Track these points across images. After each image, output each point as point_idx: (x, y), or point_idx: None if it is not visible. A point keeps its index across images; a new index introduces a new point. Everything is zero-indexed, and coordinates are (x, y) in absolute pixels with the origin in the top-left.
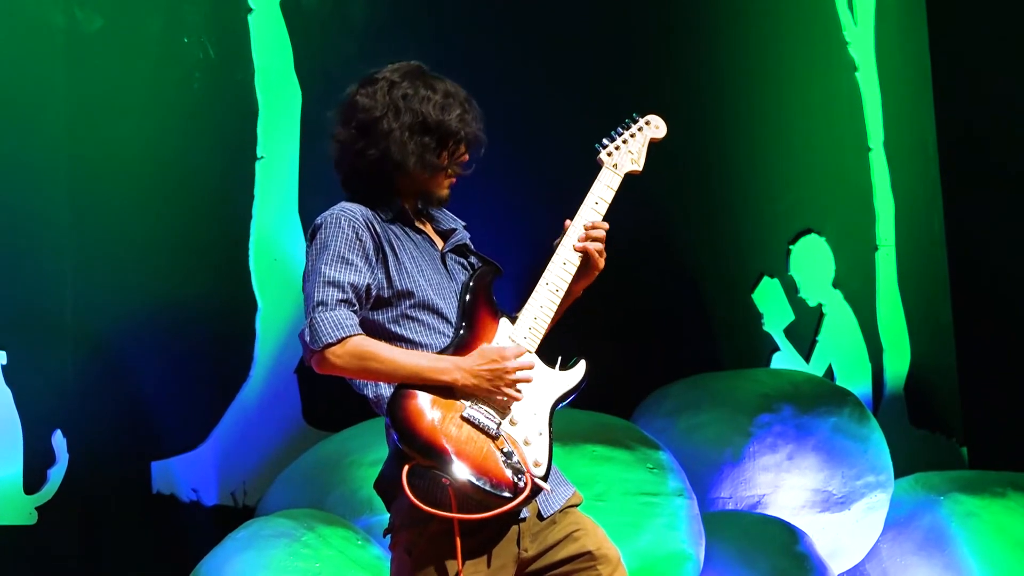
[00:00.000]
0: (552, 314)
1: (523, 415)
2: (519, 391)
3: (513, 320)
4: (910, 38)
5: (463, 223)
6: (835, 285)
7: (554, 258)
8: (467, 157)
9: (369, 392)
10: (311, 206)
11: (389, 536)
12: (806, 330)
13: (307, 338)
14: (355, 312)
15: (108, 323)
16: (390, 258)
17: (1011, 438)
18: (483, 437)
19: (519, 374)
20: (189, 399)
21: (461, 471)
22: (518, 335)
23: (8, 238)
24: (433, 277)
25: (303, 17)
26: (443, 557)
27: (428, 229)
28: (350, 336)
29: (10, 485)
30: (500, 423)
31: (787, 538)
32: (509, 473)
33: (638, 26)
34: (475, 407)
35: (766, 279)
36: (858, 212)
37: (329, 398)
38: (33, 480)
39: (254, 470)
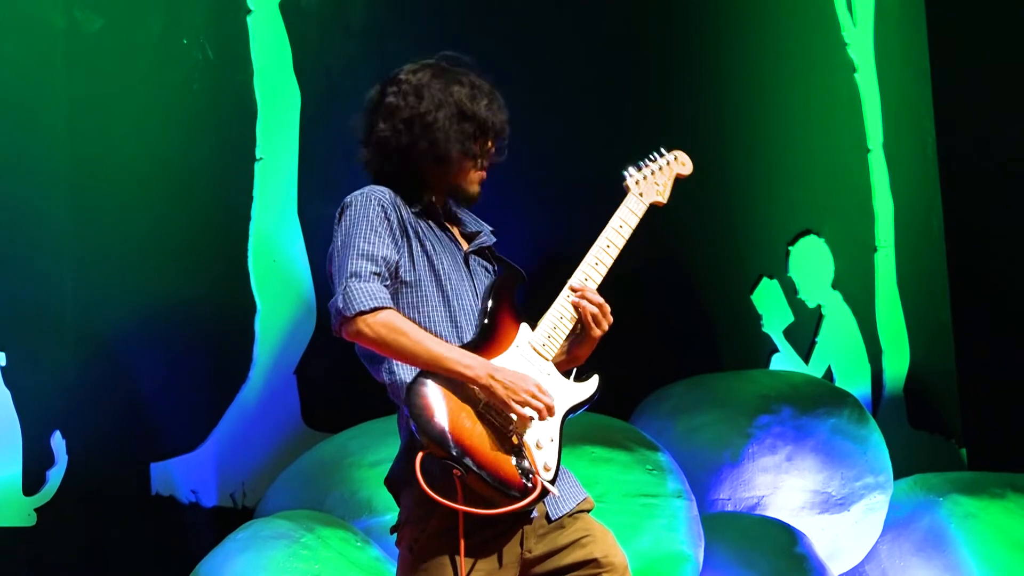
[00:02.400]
0: (571, 327)
1: (536, 421)
2: (527, 416)
3: (533, 326)
4: (909, 39)
5: (490, 228)
6: (834, 286)
7: (576, 272)
8: (493, 148)
9: (386, 377)
10: (310, 207)
11: (396, 534)
12: (805, 331)
13: (339, 305)
14: (387, 287)
15: (107, 324)
16: (414, 243)
17: (1010, 439)
18: (496, 435)
19: (536, 402)
20: (188, 400)
21: (472, 464)
22: (537, 341)
23: (8, 238)
24: (453, 274)
25: (302, 18)
26: (443, 553)
27: (455, 231)
28: (384, 307)
29: (9, 486)
30: (515, 424)
31: (786, 539)
32: (519, 473)
33: (637, 28)
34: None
35: (765, 280)
36: (857, 213)
37: (328, 399)
38: (32, 481)
39: (253, 471)
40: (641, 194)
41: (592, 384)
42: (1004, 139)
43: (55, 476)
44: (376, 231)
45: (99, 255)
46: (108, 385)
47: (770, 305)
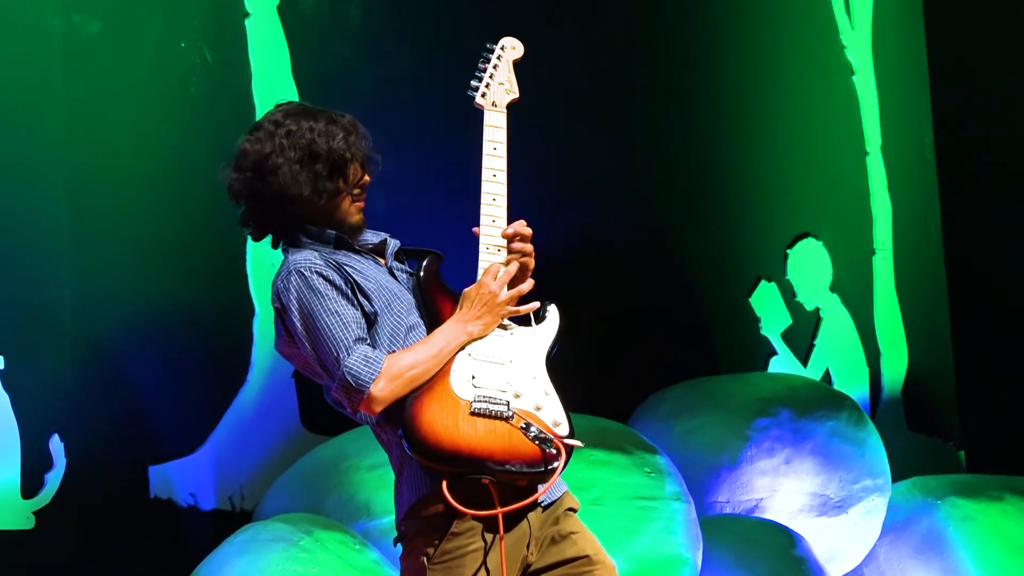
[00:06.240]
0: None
1: (523, 384)
2: (521, 311)
3: None
4: (907, 42)
5: (386, 233)
6: (832, 289)
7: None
8: (367, 178)
9: (387, 436)
10: None
11: (399, 545)
12: (803, 334)
13: (351, 384)
14: (367, 342)
15: (106, 327)
16: (358, 286)
17: (1008, 442)
18: (499, 423)
19: (507, 290)
20: (187, 403)
21: (496, 464)
22: None
23: (6, 242)
24: (393, 292)
25: (300, 21)
26: (464, 557)
27: (369, 251)
28: (379, 365)
29: (8, 490)
30: (508, 403)
31: (785, 542)
32: (538, 445)
33: (635, 31)
34: (478, 400)
35: (763, 283)
36: (855, 216)
37: (326, 403)
38: (31, 484)
39: (251, 474)
40: (494, 103)
41: (554, 315)
42: (1002, 141)
43: (53, 479)
44: (332, 305)
45: (97, 258)
46: (106, 388)
47: (768, 308)
